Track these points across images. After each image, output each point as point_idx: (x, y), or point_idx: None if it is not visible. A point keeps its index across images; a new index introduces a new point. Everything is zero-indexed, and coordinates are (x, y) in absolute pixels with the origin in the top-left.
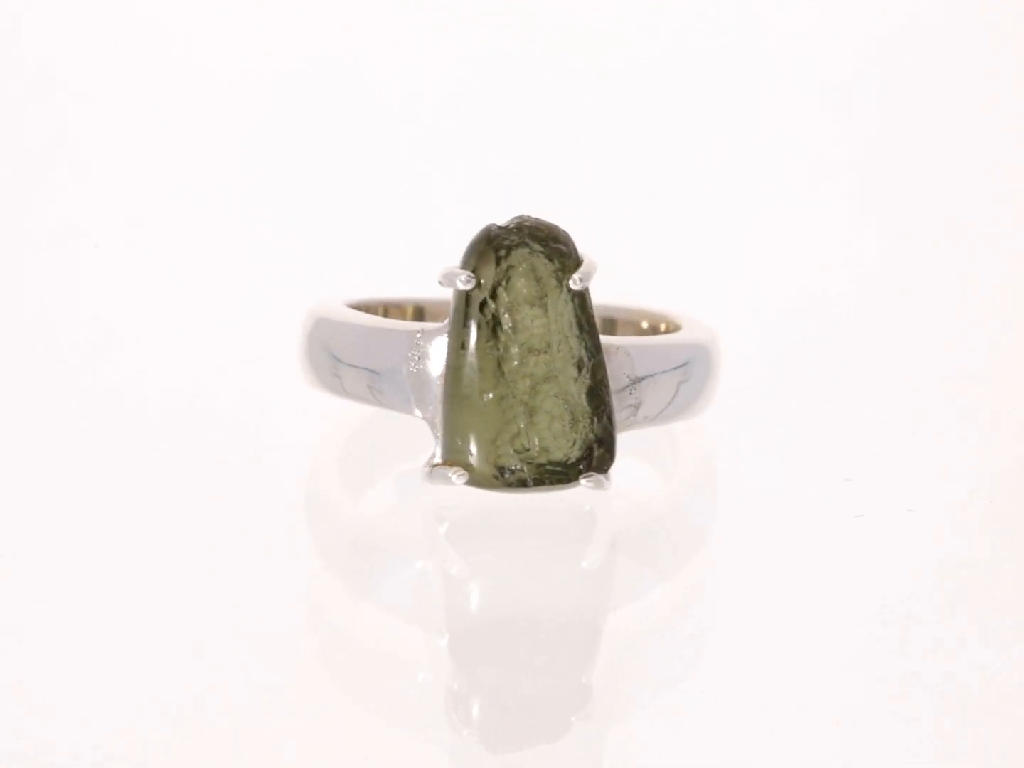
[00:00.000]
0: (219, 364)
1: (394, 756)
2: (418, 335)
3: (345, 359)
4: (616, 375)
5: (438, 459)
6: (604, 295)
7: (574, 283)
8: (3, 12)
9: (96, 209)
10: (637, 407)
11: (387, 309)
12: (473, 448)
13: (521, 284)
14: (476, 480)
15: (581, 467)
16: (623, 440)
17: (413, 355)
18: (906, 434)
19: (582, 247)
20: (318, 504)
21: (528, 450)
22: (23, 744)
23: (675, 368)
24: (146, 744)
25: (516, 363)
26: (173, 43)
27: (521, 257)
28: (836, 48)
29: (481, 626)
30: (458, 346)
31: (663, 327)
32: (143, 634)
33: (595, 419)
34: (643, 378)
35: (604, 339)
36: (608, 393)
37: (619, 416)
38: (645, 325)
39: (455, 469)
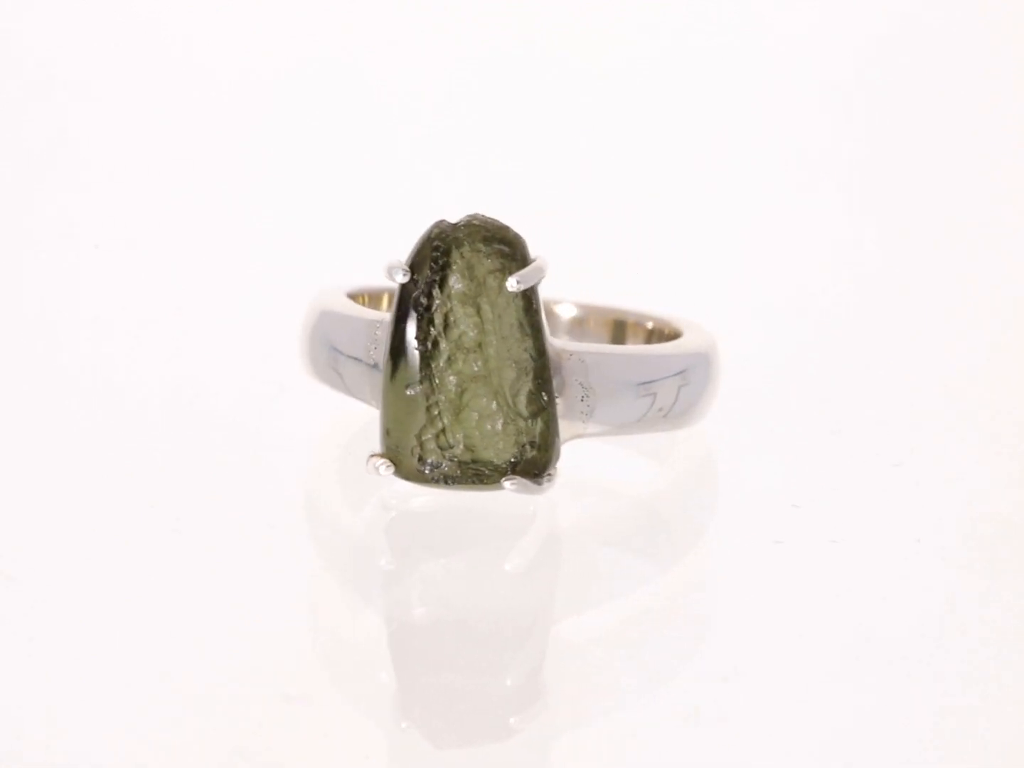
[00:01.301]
0: (219, 361)
1: (335, 750)
2: (378, 326)
3: (330, 349)
4: (568, 381)
5: (377, 450)
6: (614, 298)
7: (511, 285)
8: (3, 12)
9: (96, 209)
10: (589, 414)
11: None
12: (400, 441)
13: (454, 282)
14: (403, 473)
15: (508, 469)
16: (588, 445)
17: (371, 346)
18: (907, 432)
19: (541, 250)
20: (317, 504)
21: (452, 447)
22: (22, 744)
23: (641, 383)
24: (145, 744)
25: (444, 360)
26: (172, 41)
27: (459, 255)
28: (836, 54)
29: (419, 622)
30: (392, 339)
31: (667, 331)
32: (141, 632)
33: (530, 422)
34: (597, 386)
35: (559, 343)
36: (551, 397)
37: (568, 423)
38: (650, 326)
39: (384, 461)
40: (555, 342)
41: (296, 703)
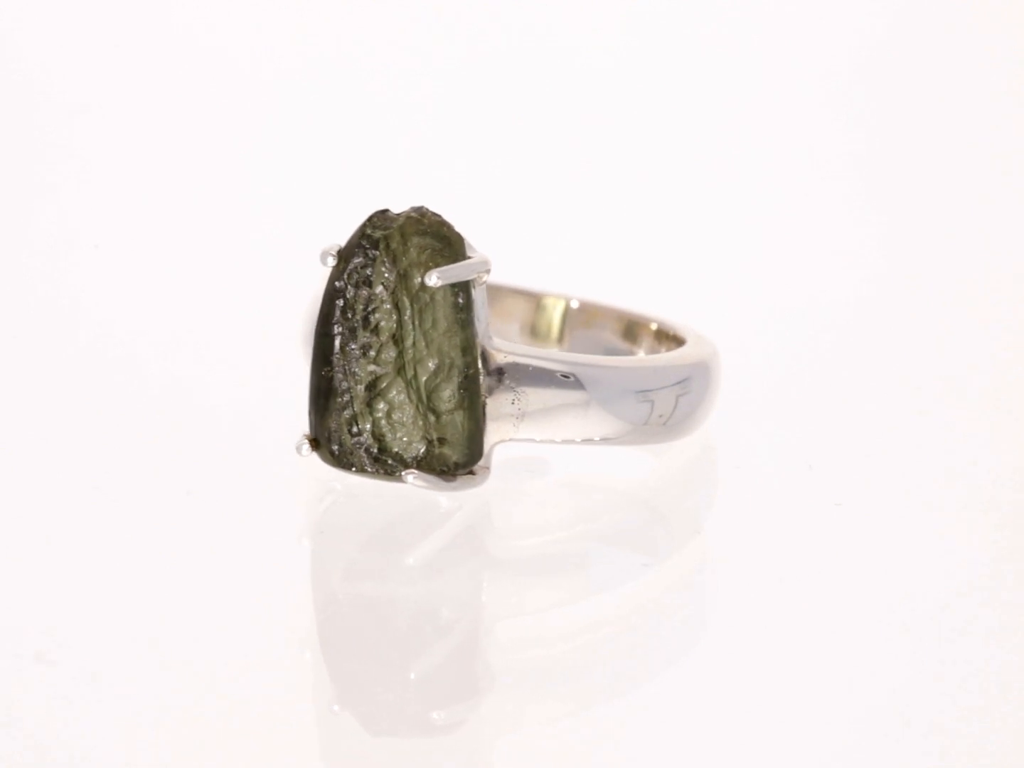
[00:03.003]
0: (220, 359)
1: (269, 739)
2: None
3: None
4: (500, 383)
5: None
6: (621, 300)
7: (430, 280)
8: (3, 13)
9: (96, 209)
10: (520, 418)
11: None
12: (319, 424)
13: (376, 272)
14: (321, 456)
15: (413, 464)
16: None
17: None
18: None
19: (486, 250)
20: (271, 486)
21: (360, 435)
22: (22, 744)
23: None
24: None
25: (358, 348)
26: (171, 39)
27: (386, 246)
28: (838, 58)
29: (347, 608)
30: (318, 322)
31: (672, 334)
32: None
33: (444, 418)
34: (529, 388)
35: (500, 343)
36: (475, 397)
37: (497, 424)
38: (654, 327)
39: (306, 442)
40: (497, 343)
41: (46, 661)
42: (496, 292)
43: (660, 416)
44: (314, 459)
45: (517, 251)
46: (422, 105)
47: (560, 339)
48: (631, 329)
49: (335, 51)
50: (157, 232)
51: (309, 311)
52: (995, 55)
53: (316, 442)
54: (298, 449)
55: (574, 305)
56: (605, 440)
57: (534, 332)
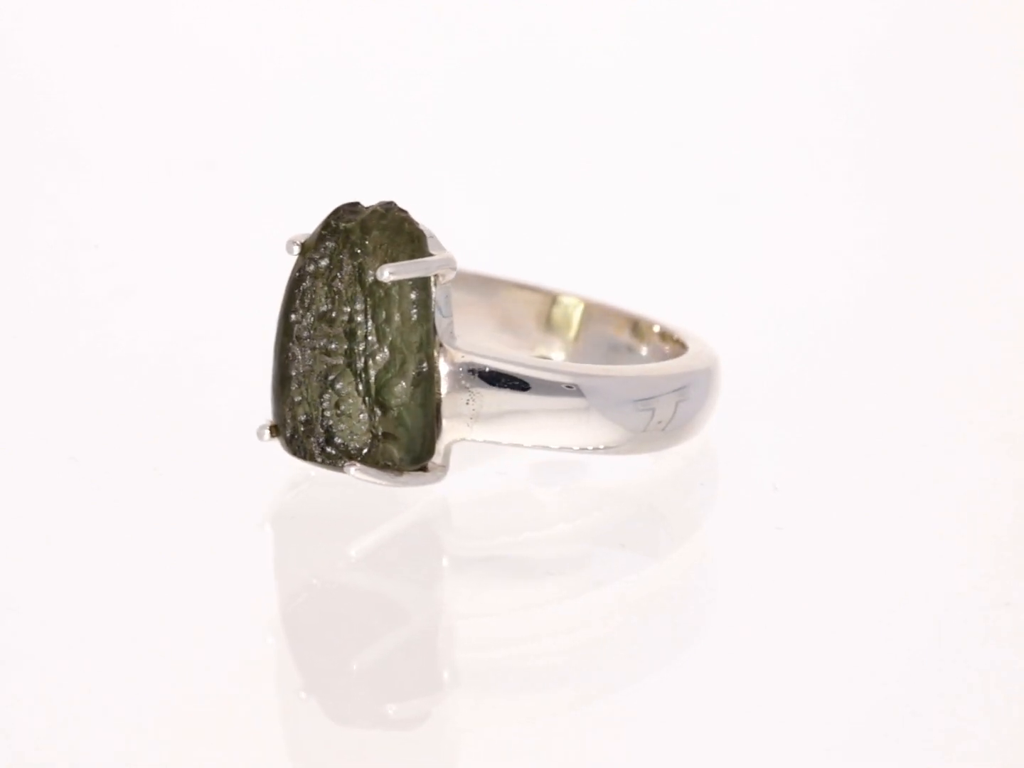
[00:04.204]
0: (221, 357)
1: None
2: None
3: None
4: (456, 382)
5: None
6: (624, 301)
7: (382, 275)
8: (3, 13)
9: (96, 209)
10: (475, 418)
11: None
12: (276, 411)
13: (333, 263)
14: (281, 443)
15: (357, 456)
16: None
17: None
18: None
19: (486, 250)
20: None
21: (310, 424)
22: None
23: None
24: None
25: (312, 338)
26: (171, 39)
27: (345, 238)
28: (837, 59)
29: (307, 599)
30: (280, 311)
31: (675, 336)
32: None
33: (391, 413)
34: (484, 390)
35: (462, 343)
36: (429, 394)
37: (452, 423)
38: (657, 329)
39: (265, 428)
40: (459, 343)
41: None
42: (508, 288)
43: (659, 422)
44: (275, 445)
45: (518, 251)
46: (424, 105)
47: (576, 337)
48: (636, 328)
49: (336, 51)
50: (157, 232)
51: None
52: (995, 55)
53: (276, 428)
54: (259, 434)
55: (585, 305)
56: (583, 449)
57: (548, 326)
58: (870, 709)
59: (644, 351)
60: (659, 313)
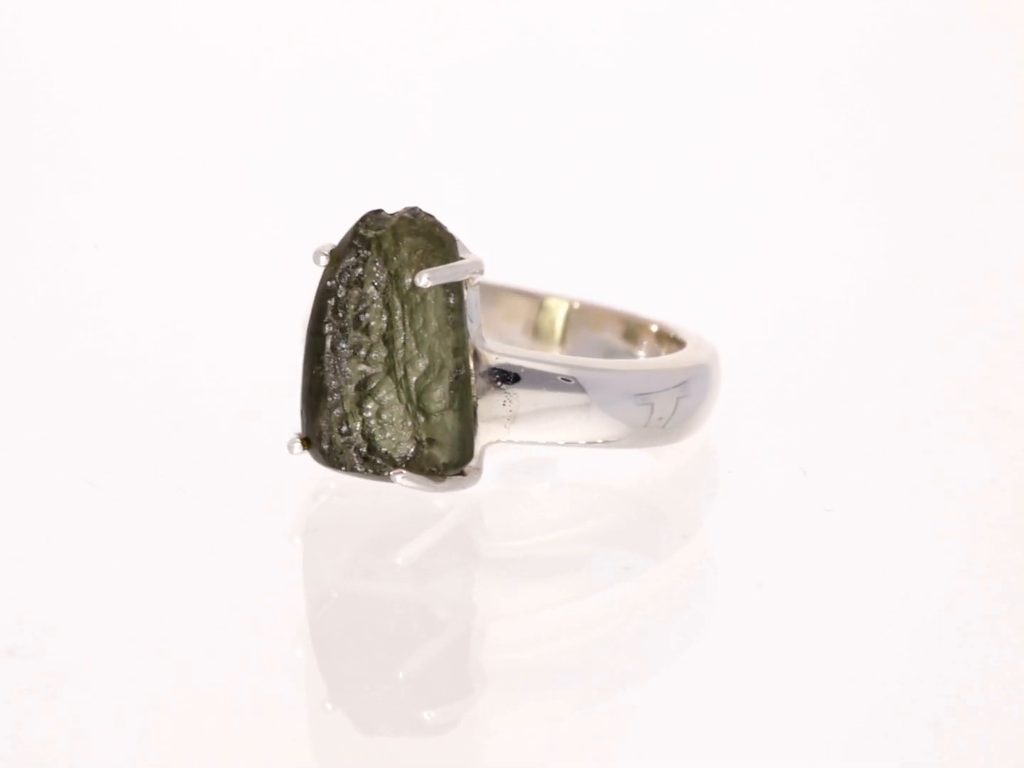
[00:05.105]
0: (218, 359)
1: (266, 735)
2: None
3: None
4: (491, 384)
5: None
6: (622, 301)
7: (420, 280)
8: (3, 13)
9: (96, 209)
10: (512, 419)
11: None
12: (311, 423)
13: (368, 272)
14: (312, 454)
15: (402, 464)
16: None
17: None
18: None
19: (486, 251)
20: (266, 484)
21: (350, 434)
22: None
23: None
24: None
25: (349, 348)
26: (172, 39)
27: (378, 247)
28: (837, 59)
29: (340, 608)
30: (310, 321)
31: (672, 336)
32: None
33: (434, 419)
34: (520, 390)
35: (493, 344)
36: (466, 398)
37: (488, 426)
38: (655, 329)
39: (298, 441)
40: (490, 344)
41: (16, 656)
42: (497, 292)
43: (660, 419)
44: (306, 458)
45: (517, 252)
46: (421, 106)
47: (563, 341)
48: (632, 331)
49: (334, 50)
50: (157, 232)
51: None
52: (995, 55)
53: (308, 441)
54: (289, 448)
55: (575, 306)
56: (606, 443)
57: (536, 333)
58: (870, 709)
59: (640, 355)
60: (657, 313)
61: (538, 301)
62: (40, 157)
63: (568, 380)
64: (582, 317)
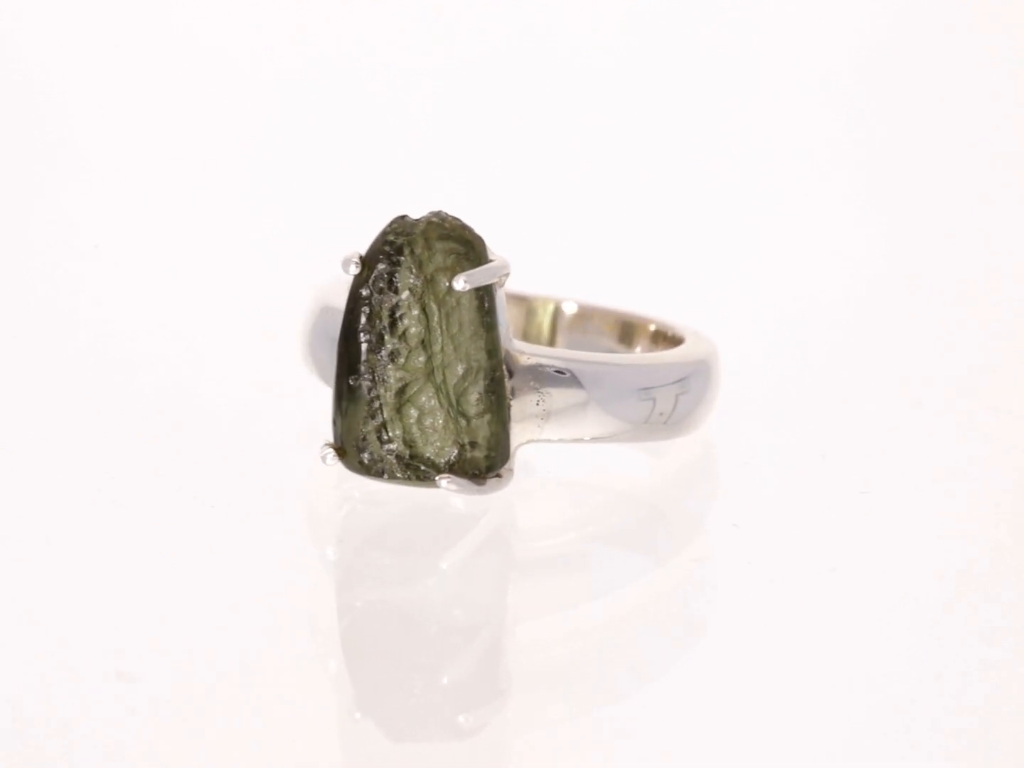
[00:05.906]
0: (220, 357)
1: (288, 738)
2: None
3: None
4: (524, 385)
5: (330, 439)
6: (618, 301)
7: (458, 284)
8: (3, 13)
9: (96, 209)
10: (545, 419)
11: None
12: (346, 432)
13: (402, 277)
14: (348, 464)
15: (445, 468)
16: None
17: None
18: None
19: (507, 253)
20: (287, 494)
21: (391, 442)
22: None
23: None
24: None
25: (387, 354)
26: (173, 39)
27: (410, 251)
28: (836, 59)
29: (370, 615)
30: (342, 330)
31: (670, 334)
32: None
33: (474, 422)
34: (552, 389)
35: (519, 346)
36: (502, 399)
37: (522, 426)
38: (652, 328)
39: (331, 451)
40: (518, 345)
41: (127, 680)
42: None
43: (660, 414)
44: (338, 468)
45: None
46: (419, 107)
47: (551, 343)
48: (627, 331)
49: (333, 53)
50: (157, 233)
51: (305, 329)
52: (995, 55)
53: (341, 451)
54: (323, 459)
55: (570, 308)
56: (612, 438)
57: (525, 336)
58: (870, 709)
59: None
60: (651, 311)
61: (526, 304)
62: (40, 157)
63: (592, 377)
64: (575, 318)
